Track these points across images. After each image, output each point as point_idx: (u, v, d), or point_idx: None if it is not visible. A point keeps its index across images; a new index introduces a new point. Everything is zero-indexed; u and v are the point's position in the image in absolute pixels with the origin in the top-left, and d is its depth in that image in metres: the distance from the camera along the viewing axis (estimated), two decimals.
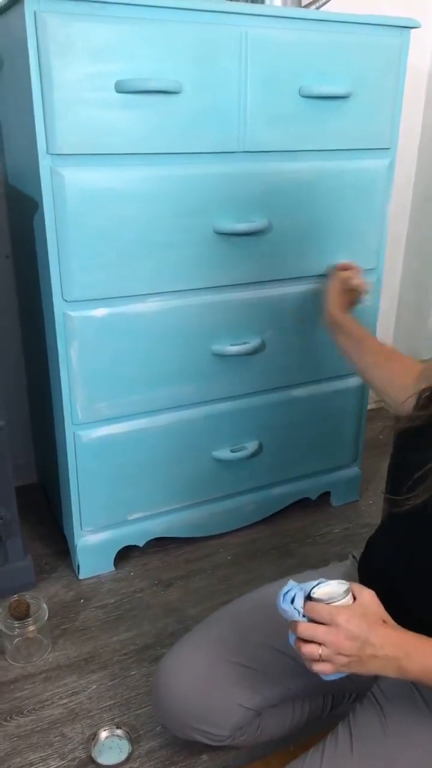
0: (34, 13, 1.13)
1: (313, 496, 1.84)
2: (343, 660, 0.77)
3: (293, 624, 0.79)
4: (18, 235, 1.57)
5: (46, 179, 1.23)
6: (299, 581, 0.82)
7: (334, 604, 0.78)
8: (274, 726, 1.12)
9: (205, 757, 1.19)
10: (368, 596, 0.80)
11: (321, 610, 0.77)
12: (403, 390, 1.03)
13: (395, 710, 0.90)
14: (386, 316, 2.24)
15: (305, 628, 0.77)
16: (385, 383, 1.15)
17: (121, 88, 1.21)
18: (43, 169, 1.23)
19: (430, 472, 0.83)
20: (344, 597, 0.79)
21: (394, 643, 0.78)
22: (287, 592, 0.80)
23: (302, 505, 1.84)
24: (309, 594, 0.79)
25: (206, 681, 1.03)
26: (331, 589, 0.79)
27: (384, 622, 0.79)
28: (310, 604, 0.78)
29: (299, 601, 0.79)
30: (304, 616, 0.78)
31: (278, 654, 1.03)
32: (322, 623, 0.77)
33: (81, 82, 1.18)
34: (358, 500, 1.90)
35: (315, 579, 0.81)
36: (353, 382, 1.73)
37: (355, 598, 0.79)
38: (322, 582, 0.80)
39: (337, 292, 1.39)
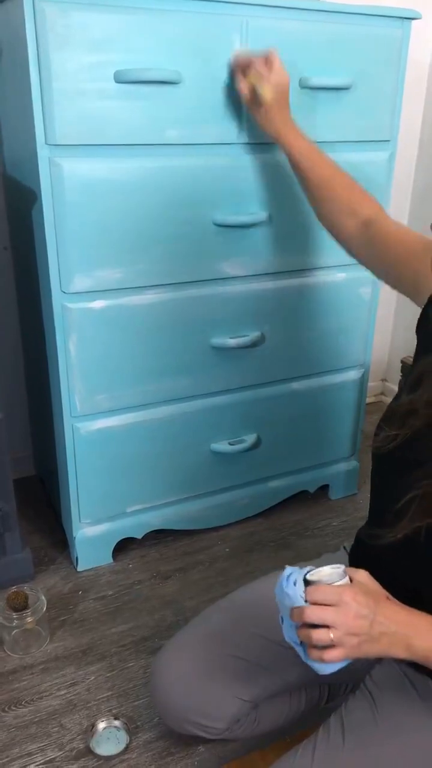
0: (33, 2, 1.12)
1: (312, 489, 1.84)
2: (354, 641, 0.74)
3: (296, 611, 0.75)
4: (16, 226, 1.57)
5: (45, 170, 1.23)
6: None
7: (335, 584, 0.76)
8: (271, 718, 1.12)
9: (202, 748, 1.19)
10: (364, 575, 0.78)
11: (327, 590, 0.75)
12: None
13: (387, 700, 0.90)
14: (385, 307, 2.24)
15: (312, 611, 0.74)
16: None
17: (120, 79, 1.20)
18: (41, 160, 1.22)
19: (412, 503, 0.81)
20: (343, 578, 0.77)
21: (403, 620, 0.76)
22: (289, 576, 0.77)
23: (300, 498, 1.84)
24: (305, 578, 0.77)
25: (203, 674, 1.03)
26: (326, 571, 0.77)
27: (388, 598, 0.78)
28: (312, 586, 0.76)
29: (300, 586, 0.76)
30: (306, 601, 0.75)
31: (274, 645, 1.03)
32: (327, 605, 0.74)
33: (80, 73, 1.17)
34: (356, 493, 1.90)
35: (306, 567, 0.79)
36: (352, 375, 1.73)
37: (351, 579, 0.78)
38: (313, 568, 0.78)
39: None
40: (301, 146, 1.23)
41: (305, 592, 0.75)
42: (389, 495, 0.86)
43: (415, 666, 0.92)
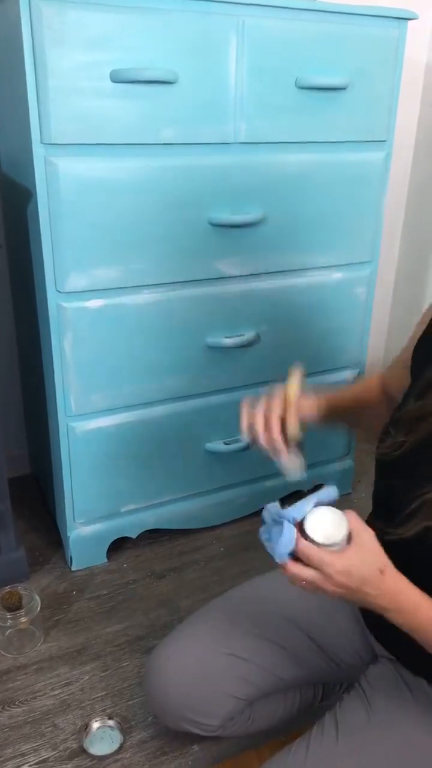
0: (29, 1, 1.12)
1: (307, 489, 1.84)
2: (330, 592, 0.75)
3: (281, 563, 0.75)
4: (11, 225, 1.56)
5: (40, 169, 1.22)
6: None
7: (330, 549, 0.74)
8: (265, 716, 1.12)
9: (196, 747, 1.19)
10: (368, 538, 0.76)
11: (312, 555, 0.74)
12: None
13: (381, 700, 0.91)
14: (381, 308, 2.24)
15: (293, 568, 0.75)
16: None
17: (116, 78, 1.20)
18: (37, 159, 1.22)
19: (423, 505, 0.81)
20: (341, 544, 0.74)
21: (387, 597, 0.76)
22: (288, 519, 0.74)
23: (296, 497, 1.83)
24: (302, 524, 0.74)
25: (198, 671, 1.03)
26: (329, 526, 0.74)
27: (381, 571, 0.76)
28: (303, 544, 0.74)
29: (291, 533, 0.73)
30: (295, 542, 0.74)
31: (269, 644, 1.03)
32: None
33: (76, 71, 1.17)
34: (351, 492, 1.90)
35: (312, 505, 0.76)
36: (348, 375, 1.73)
37: (350, 537, 0.75)
38: (318, 509, 0.75)
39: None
40: (353, 405, 1.09)
41: (297, 536, 0.74)
42: (396, 500, 0.86)
43: (410, 667, 0.92)
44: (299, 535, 0.75)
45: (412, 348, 0.96)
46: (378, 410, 1.08)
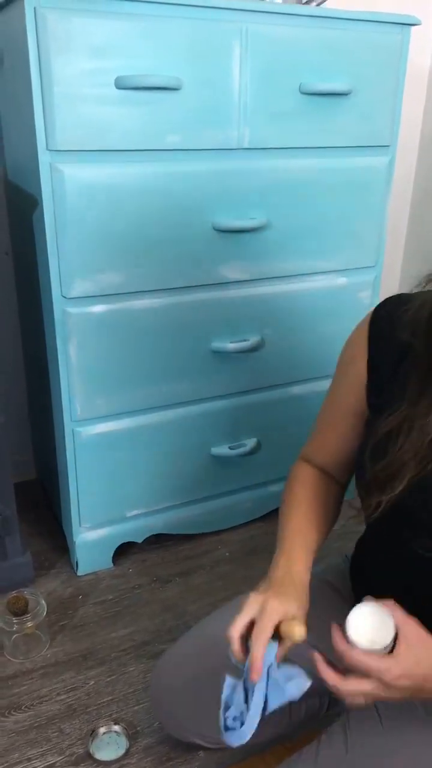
0: (34, 8, 1.13)
1: None
2: (393, 699, 0.75)
3: (333, 680, 0.74)
4: (17, 231, 1.57)
5: (46, 176, 1.23)
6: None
7: (378, 653, 0.71)
8: (270, 727, 1.11)
9: (201, 753, 1.19)
10: (413, 631, 0.73)
11: (371, 666, 0.71)
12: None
13: (391, 708, 0.90)
14: None
15: (349, 685, 0.73)
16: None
17: (120, 85, 1.21)
18: (42, 166, 1.22)
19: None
20: (390, 647, 0.71)
21: None
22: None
23: None
24: (345, 630, 0.72)
25: (203, 683, 1.02)
26: (374, 625, 0.71)
27: None
28: (356, 653, 0.72)
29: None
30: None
31: None
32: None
33: (81, 78, 1.18)
34: (355, 497, 1.90)
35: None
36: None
37: (396, 636, 0.72)
38: (358, 609, 0.73)
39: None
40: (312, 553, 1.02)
41: (346, 647, 0.71)
42: (386, 548, 0.88)
43: None
44: (347, 645, 0.72)
45: (339, 410, 0.99)
46: (335, 498, 1.07)
